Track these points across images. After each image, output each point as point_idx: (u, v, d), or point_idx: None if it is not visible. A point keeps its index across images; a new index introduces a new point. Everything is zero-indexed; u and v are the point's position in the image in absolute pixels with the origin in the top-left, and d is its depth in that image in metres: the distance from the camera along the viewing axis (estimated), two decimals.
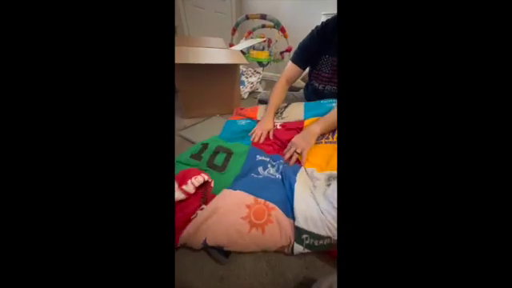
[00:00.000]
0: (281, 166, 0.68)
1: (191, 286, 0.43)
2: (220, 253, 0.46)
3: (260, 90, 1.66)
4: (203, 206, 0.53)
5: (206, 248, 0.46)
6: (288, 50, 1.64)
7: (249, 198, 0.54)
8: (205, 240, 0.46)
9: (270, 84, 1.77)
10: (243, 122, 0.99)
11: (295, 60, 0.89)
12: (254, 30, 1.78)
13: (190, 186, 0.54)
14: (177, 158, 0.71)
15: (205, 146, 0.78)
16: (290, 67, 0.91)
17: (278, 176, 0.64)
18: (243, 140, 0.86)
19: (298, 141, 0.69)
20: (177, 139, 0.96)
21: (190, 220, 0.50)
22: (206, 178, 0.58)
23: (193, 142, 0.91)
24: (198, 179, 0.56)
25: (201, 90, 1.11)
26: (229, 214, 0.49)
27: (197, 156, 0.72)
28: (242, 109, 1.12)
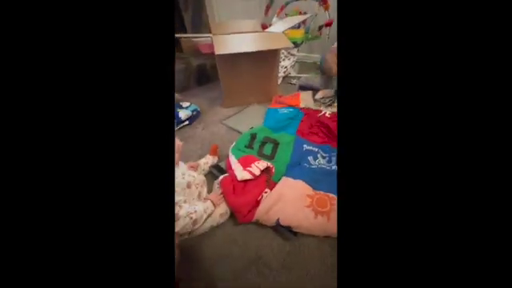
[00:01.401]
0: (333, 158, 0.69)
1: (263, 256, 0.51)
2: (289, 232, 0.53)
3: (293, 74, 1.60)
4: (267, 190, 0.61)
5: (277, 226, 0.54)
6: (328, 24, 1.48)
7: (309, 189, 0.59)
8: (278, 220, 0.54)
9: (303, 66, 1.68)
10: (285, 111, 1.00)
11: None
12: (286, 3, 1.64)
13: (256, 169, 0.62)
14: (235, 144, 0.79)
15: (253, 136, 0.83)
16: None
17: (334, 167, 0.66)
18: (288, 129, 0.88)
19: None
20: (222, 128, 1.03)
21: (257, 201, 0.58)
22: (269, 164, 0.65)
23: (238, 131, 0.96)
24: (262, 164, 0.64)
25: (241, 79, 1.13)
26: (294, 202, 0.56)
27: (250, 146, 0.78)
28: (280, 96, 1.12)
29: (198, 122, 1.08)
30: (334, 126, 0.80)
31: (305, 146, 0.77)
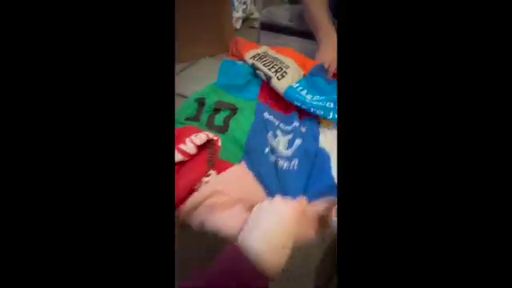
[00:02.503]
0: (297, 140, 0.49)
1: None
2: None
3: (256, 14, 1.24)
4: (210, 173, 0.44)
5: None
6: None
7: (259, 196, 0.41)
8: (202, 222, 0.37)
9: (267, 3, 1.29)
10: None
11: None
12: None
13: (190, 145, 0.43)
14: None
15: (201, 102, 0.60)
16: None
17: (294, 161, 0.46)
18: (248, 87, 0.64)
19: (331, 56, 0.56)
20: None
21: (193, 190, 0.41)
22: (211, 135, 0.46)
23: (183, 96, 0.71)
24: (200, 137, 0.45)
25: (181, 19, 0.77)
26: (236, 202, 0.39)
27: (195, 118, 0.57)
28: (237, 42, 0.81)
29: None
30: None
31: (265, 113, 0.56)
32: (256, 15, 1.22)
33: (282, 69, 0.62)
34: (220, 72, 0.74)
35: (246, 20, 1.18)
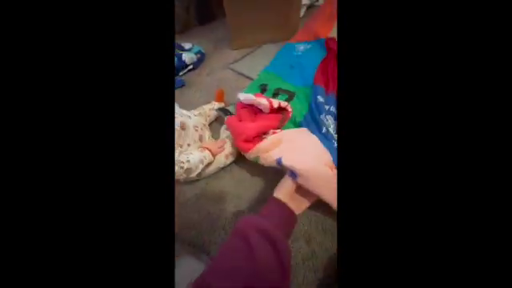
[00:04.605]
0: (332, 125, 0.54)
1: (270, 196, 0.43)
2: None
3: (321, 1, 1.23)
4: (277, 131, 0.54)
5: (278, 166, 0.45)
6: None
7: (328, 158, 0.45)
8: (280, 159, 0.43)
9: None
10: (301, 47, 0.77)
11: None
12: None
13: (275, 102, 0.55)
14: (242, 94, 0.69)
15: (263, 88, 0.71)
16: None
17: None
18: (303, 73, 0.70)
19: None
20: (229, 73, 0.90)
21: (261, 138, 0.51)
22: (284, 104, 0.56)
23: (247, 77, 0.85)
24: (274, 101, 0.55)
25: (253, 8, 0.88)
26: (309, 153, 0.45)
27: None
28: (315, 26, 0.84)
29: (203, 67, 0.95)
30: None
31: (319, 97, 0.61)
32: (321, 2, 1.20)
33: None
34: (276, 57, 0.82)
35: (310, 7, 1.19)
